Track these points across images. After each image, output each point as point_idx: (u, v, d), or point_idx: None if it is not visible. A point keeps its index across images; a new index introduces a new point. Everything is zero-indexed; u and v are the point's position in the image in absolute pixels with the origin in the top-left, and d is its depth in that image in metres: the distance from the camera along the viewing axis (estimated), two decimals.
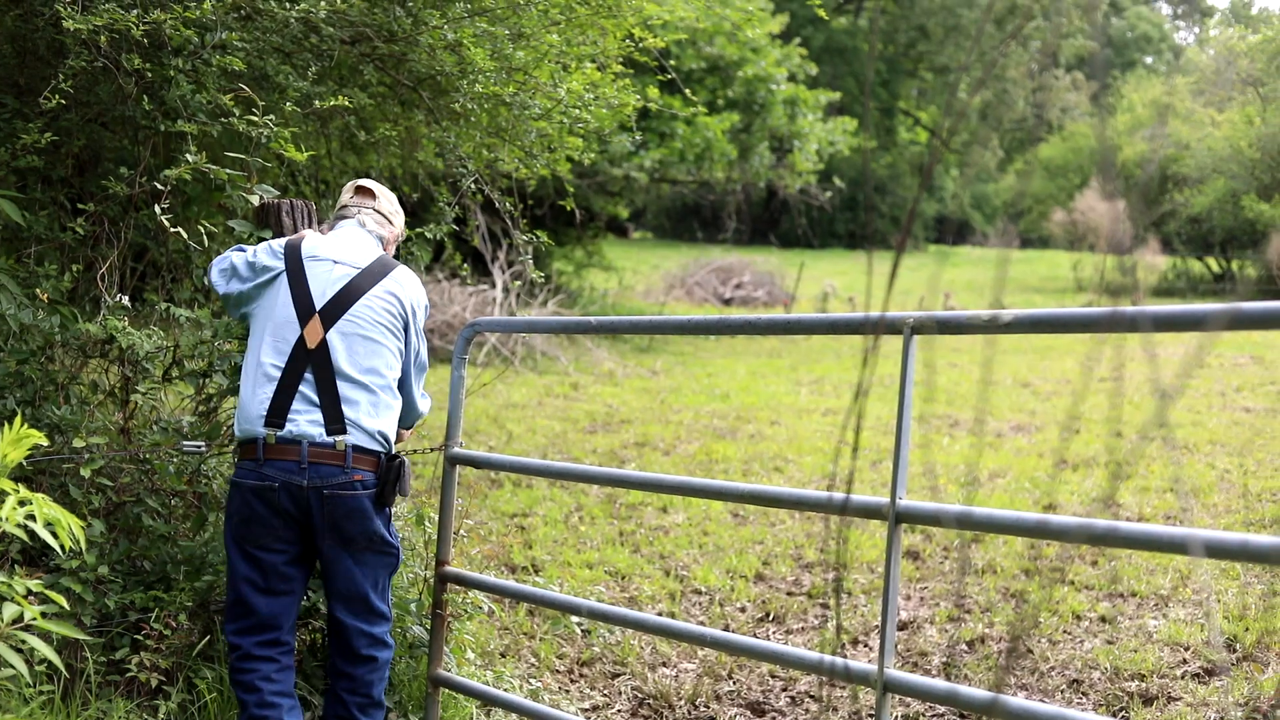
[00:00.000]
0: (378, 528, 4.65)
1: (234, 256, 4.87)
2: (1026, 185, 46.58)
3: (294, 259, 4.75)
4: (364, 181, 5.14)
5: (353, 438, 4.55)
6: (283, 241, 4.85)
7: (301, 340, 4.60)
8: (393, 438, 4.76)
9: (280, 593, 4.65)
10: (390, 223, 5.10)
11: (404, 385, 4.94)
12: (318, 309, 4.64)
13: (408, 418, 5.08)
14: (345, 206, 5.10)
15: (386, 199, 5.14)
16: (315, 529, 4.56)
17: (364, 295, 4.71)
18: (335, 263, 4.76)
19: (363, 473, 4.57)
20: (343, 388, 4.57)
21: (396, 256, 5.63)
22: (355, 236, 4.93)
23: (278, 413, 4.53)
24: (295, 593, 4.70)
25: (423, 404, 5.12)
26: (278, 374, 4.56)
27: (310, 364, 4.57)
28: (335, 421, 4.53)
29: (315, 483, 4.50)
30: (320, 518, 4.53)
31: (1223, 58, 34.63)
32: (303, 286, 4.68)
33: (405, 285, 4.85)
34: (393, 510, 4.88)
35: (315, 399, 4.54)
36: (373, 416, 4.63)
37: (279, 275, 4.73)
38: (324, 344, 4.59)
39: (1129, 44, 70.68)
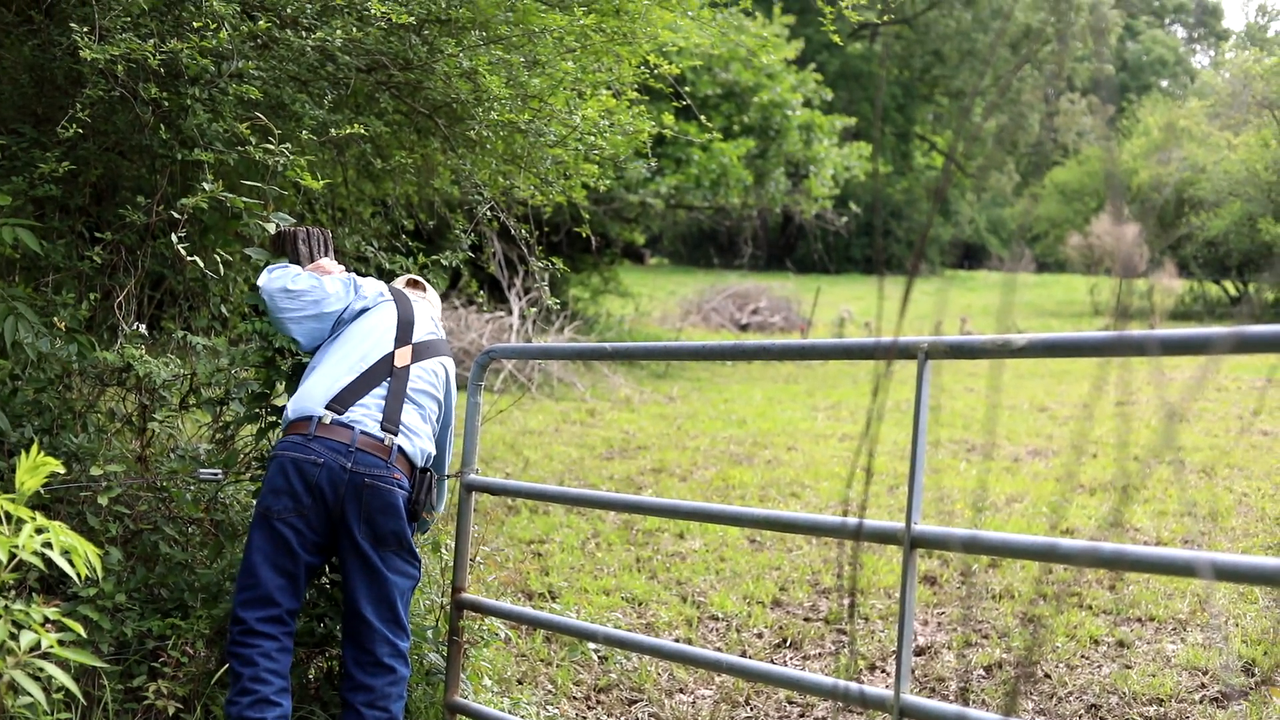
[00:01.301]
0: (408, 533, 4.87)
1: (329, 278, 5.23)
2: (1033, 208, 46.47)
3: (402, 295, 5.34)
4: (416, 277, 5.78)
5: (401, 441, 4.86)
6: (380, 283, 5.39)
7: (390, 357, 5.04)
8: (428, 461, 5.06)
9: (284, 571, 4.77)
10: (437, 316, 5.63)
11: (437, 442, 5.28)
12: (413, 341, 5.14)
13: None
14: (401, 292, 5.53)
15: (434, 294, 5.75)
16: (347, 525, 4.74)
17: (436, 355, 5.22)
18: (431, 318, 5.38)
19: (401, 474, 4.84)
20: (407, 404, 4.95)
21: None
22: (432, 312, 5.51)
23: (342, 401, 4.85)
24: (299, 578, 4.81)
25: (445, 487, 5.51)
26: (359, 371, 4.93)
27: (390, 377, 4.98)
28: (391, 423, 4.86)
29: (359, 469, 4.73)
30: (356, 511, 4.73)
31: (1238, 80, 34.63)
32: (408, 318, 5.21)
33: (451, 371, 5.32)
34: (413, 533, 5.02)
35: (381, 404, 4.89)
36: (420, 434, 4.97)
37: (385, 303, 5.24)
38: (406, 369, 5.04)
39: (1144, 67, 70.70)
